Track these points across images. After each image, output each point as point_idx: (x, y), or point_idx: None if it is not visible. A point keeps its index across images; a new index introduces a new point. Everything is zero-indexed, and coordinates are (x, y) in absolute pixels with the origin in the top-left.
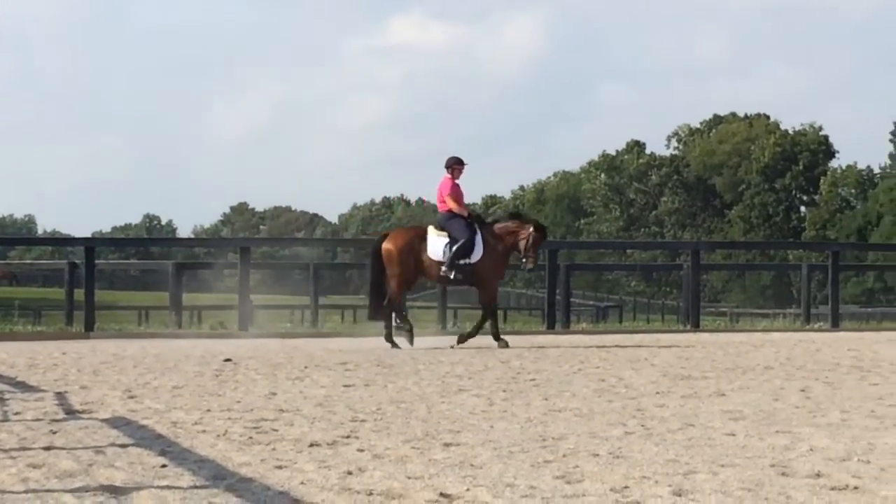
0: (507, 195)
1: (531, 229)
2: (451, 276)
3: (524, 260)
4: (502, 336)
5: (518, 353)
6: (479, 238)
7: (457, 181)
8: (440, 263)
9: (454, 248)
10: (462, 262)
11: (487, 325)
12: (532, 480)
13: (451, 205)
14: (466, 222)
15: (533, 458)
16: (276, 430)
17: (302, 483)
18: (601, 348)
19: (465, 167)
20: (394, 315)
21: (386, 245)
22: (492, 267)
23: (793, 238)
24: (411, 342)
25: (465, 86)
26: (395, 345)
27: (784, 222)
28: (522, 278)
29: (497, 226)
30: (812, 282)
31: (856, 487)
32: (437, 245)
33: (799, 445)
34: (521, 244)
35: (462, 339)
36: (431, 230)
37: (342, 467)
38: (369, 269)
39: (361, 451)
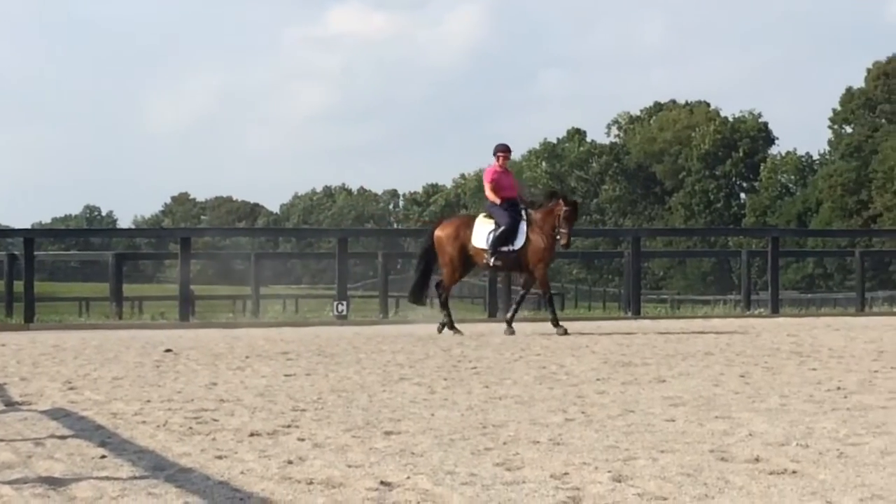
0: (449, 184)
1: (562, 205)
2: (492, 263)
3: (558, 237)
4: (561, 322)
5: (459, 342)
6: (523, 224)
7: (501, 168)
8: (485, 251)
9: (495, 236)
10: (505, 248)
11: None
12: (472, 468)
13: (487, 193)
14: (510, 209)
15: (473, 445)
16: (216, 421)
17: (242, 473)
18: (542, 336)
19: (510, 154)
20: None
21: (437, 233)
22: (538, 252)
23: (733, 225)
24: (441, 330)
25: (407, 75)
26: (457, 331)
27: (725, 209)
28: None
29: (538, 210)
30: (752, 268)
31: (794, 472)
32: (481, 233)
33: (738, 430)
34: (556, 221)
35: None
36: (480, 218)
37: (282, 457)
38: (419, 255)
39: (302, 440)
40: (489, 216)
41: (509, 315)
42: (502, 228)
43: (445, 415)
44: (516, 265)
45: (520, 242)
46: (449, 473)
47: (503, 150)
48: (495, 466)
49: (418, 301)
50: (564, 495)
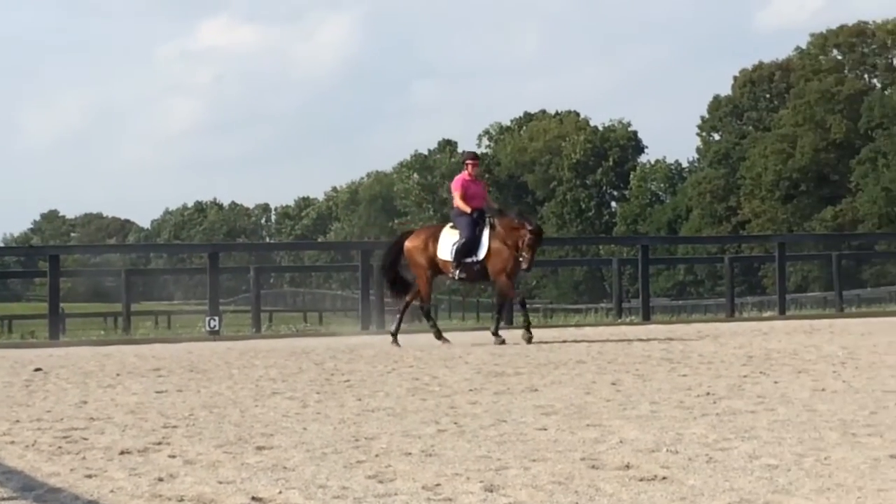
0: (321, 197)
1: (528, 230)
2: (457, 276)
3: (520, 259)
4: (500, 332)
5: (332, 355)
6: (485, 234)
7: (471, 177)
8: (450, 263)
9: (457, 247)
10: (469, 259)
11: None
12: (344, 481)
13: (456, 202)
14: (472, 219)
15: (346, 458)
16: (86, 439)
17: (112, 491)
18: (416, 347)
19: (479, 161)
20: (404, 313)
21: (407, 244)
22: (500, 261)
23: (605, 233)
24: (393, 339)
25: (278, 87)
26: (445, 340)
27: (596, 217)
28: (337, 280)
29: (503, 220)
30: (623, 276)
31: (664, 478)
32: (446, 244)
33: (609, 438)
34: (520, 243)
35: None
36: (446, 229)
37: (153, 474)
38: (380, 267)
39: (173, 457)
40: (455, 227)
41: (493, 328)
42: (463, 240)
43: (318, 428)
44: (481, 276)
45: (482, 253)
46: (321, 487)
47: (472, 159)
48: (367, 479)
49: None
50: None
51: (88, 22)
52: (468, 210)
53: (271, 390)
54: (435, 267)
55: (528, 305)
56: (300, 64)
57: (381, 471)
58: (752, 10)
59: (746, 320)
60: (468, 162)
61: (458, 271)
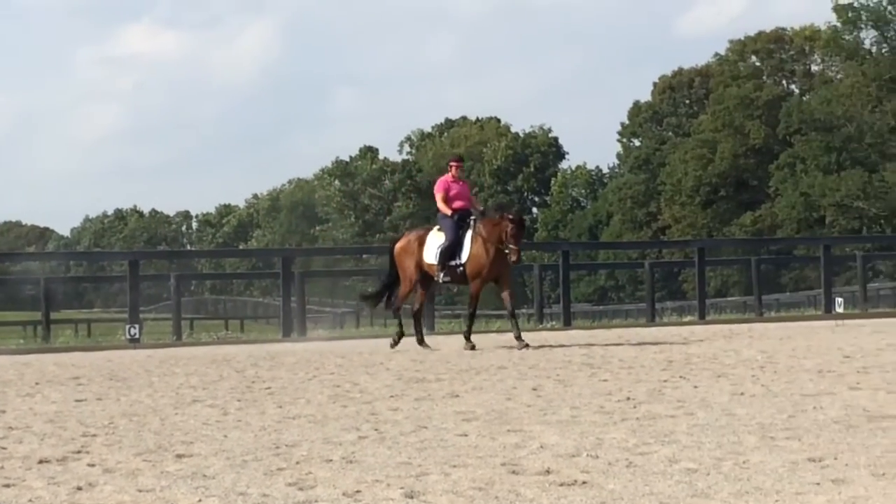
0: (242, 204)
1: (508, 221)
2: (441, 280)
3: (507, 253)
4: (472, 338)
5: (253, 363)
6: (468, 237)
7: (455, 178)
8: (435, 266)
9: (440, 251)
10: (453, 263)
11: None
12: (265, 488)
13: (438, 204)
14: (455, 221)
15: (266, 466)
16: (4, 449)
17: (30, 500)
18: (337, 354)
19: (462, 163)
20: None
21: (396, 247)
22: (477, 266)
23: (526, 239)
24: (393, 345)
25: (200, 94)
26: (425, 345)
27: None
28: (259, 287)
29: (484, 220)
30: (545, 282)
31: (584, 482)
32: (431, 247)
33: (530, 443)
34: (504, 237)
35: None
36: (433, 232)
37: (72, 483)
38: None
39: (92, 465)
40: (441, 230)
41: (515, 333)
42: (446, 243)
43: (238, 436)
44: (465, 278)
45: (465, 256)
46: (241, 495)
47: (455, 160)
48: (288, 486)
49: (368, 302)
50: None
51: (5, 26)
52: (449, 212)
53: (192, 398)
54: (422, 270)
55: (474, 311)
56: (221, 71)
57: (301, 478)
58: (672, 16)
59: (667, 325)
60: (451, 164)
61: (441, 274)
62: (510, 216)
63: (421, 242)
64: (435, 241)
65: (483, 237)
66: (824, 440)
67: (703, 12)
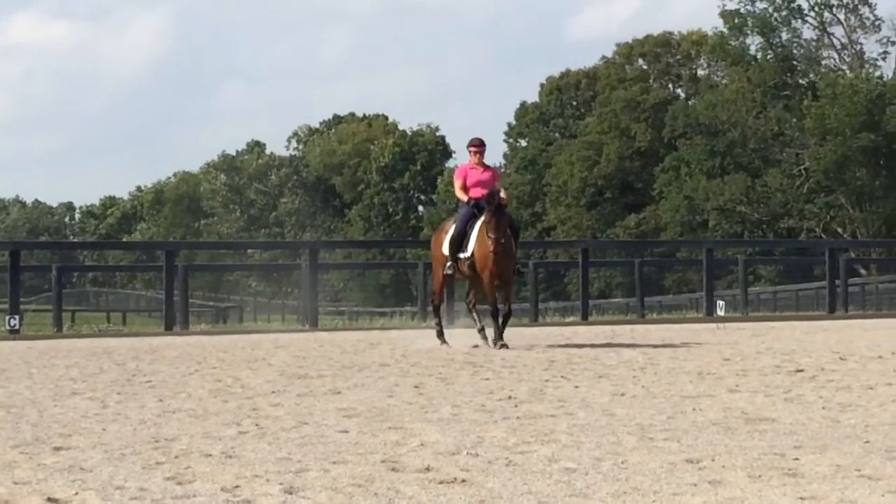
0: (126, 196)
1: (486, 208)
2: (446, 272)
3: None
4: (501, 337)
5: (135, 356)
6: (475, 228)
7: (476, 164)
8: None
9: (449, 242)
10: (462, 255)
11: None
12: (142, 482)
13: (456, 191)
14: (468, 211)
15: (145, 459)
16: None
17: None
18: (219, 349)
19: (483, 147)
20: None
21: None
22: (482, 259)
23: (411, 237)
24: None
25: (87, 85)
26: (444, 341)
27: (403, 221)
28: (142, 280)
29: (486, 211)
30: (428, 279)
31: (463, 480)
32: (447, 238)
33: (410, 441)
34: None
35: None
36: (451, 221)
37: None
38: None
39: None
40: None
41: (493, 334)
42: (451, 234)
43: (117, 429)
44: (474, 272)
45: (470, 248)
46: (118, 489)
47: (475, 144)
48: (166, 481)
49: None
50: None
51: None
52: (464, 199)
53: (71, 390)
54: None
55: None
56: (110, 62)
57: (180, 472)
58: (562, 18)
59: (550, 325)
60: (471, 148)
61: (447, 265)
62: (487, 201)
63: (445, 233)
64: (450, 232)
65: (484, 230)
66: (702, 442)
67: (593, 15)
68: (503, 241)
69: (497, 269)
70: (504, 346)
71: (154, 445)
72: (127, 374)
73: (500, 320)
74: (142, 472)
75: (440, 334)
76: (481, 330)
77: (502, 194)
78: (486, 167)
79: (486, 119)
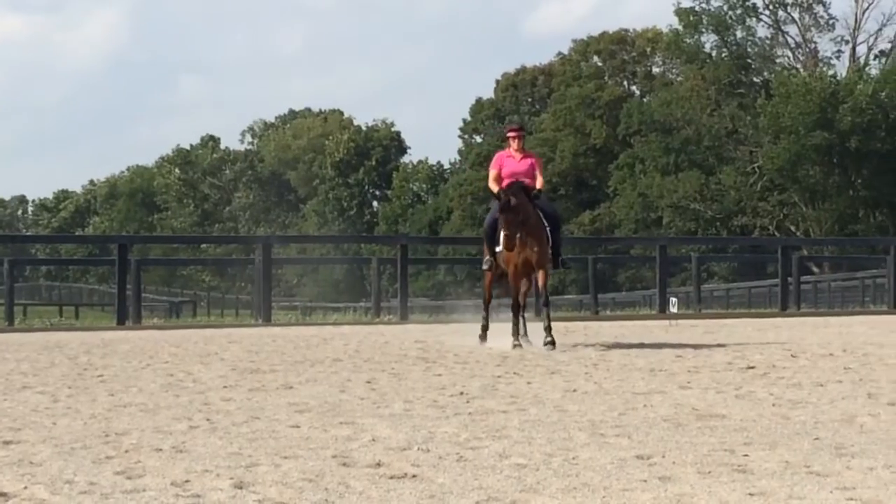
0: (80, 190)
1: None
2: (486, 268)
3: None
4: (550, 334)
5: (86, 350)
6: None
7: (515, 150)
8: None
9: (484, 235)
10: (498, 249)
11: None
12: (92, 476)
13: (489, 182)
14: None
15: (95, 454)
16: None
17: None
18: (172, 343)
19: (521, 132)
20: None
21: None
22: (502, 255)
23: (366, 232)
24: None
25: (42, 78)
26: (483, 340)
27: (358, 217)
28: (95, 274)
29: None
30: (383, 275)
31: (414, 475)
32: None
33: (361, 436)
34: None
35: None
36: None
37: None
38: None
39: None
40: None
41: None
42: (483, 228)
43: (67, 423)
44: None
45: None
46: (68, 483)
47: (513, 129)
48: (116, 475)
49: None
50: (184, 502)
51: None
52: (495, 191)
53: (22, 384)
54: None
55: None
56: (65, 55)
57: (130, 466)
58: (519, 14)
59: (503, 321)
60: (509, 133)
61: (485, 260)
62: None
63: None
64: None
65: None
66: (653, 438)
67: (550, 11)
68: (517, 236)
69: (516, 266)
70: (550, 343)
71: (104, 440)
72: (78, 368)
73: (544, 316)
74: (91, 467)
75: (483, 332)
76: (516, 333)
77: (538, 184)
78: (526, 154)
79: (441, 115)
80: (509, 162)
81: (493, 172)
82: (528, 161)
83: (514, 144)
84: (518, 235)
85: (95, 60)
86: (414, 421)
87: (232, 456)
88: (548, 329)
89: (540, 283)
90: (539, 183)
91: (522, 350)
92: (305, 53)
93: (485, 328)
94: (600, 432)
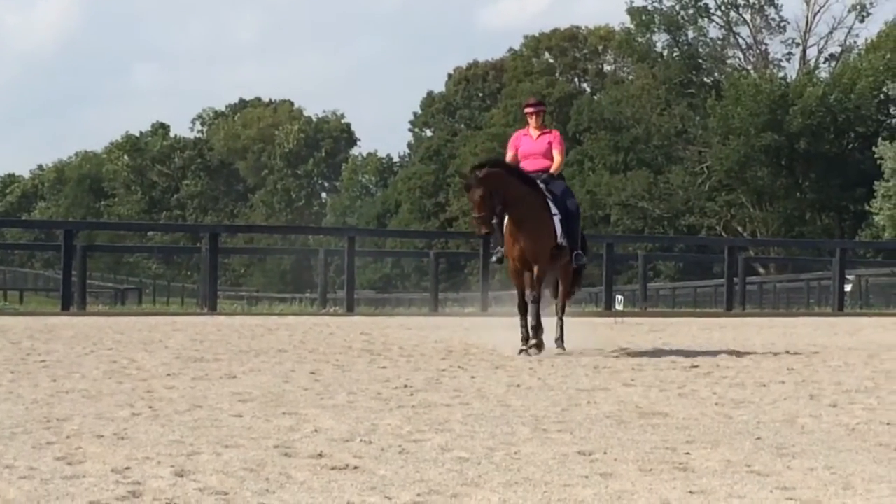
0: (27, 174)
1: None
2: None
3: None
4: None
5: (30, 335)
6: None
7: (535, 128)
8: None
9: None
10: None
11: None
12: (32, 462)
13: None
14: None
15: (35, 439)
16: None
17: None
18: (116, 330)
19: (540, 108)
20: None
21: None
22: (506, 246)
23: (314, 223)
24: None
25: None
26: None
27: (306, 207)
28: (41, 259)
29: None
30: (330, 267)
31: (356, 467)
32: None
33: (304, 426)
34: None
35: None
36: None
37: None
38: None
39: None
40: None
41: (556, 332)
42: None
43: (8, 408)
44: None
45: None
46: (7, 468)
47: (531, 105)
48: (56, 461)
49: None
50: (124, 489)
51: None
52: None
53: None
54: None
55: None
56: (15, 37)
57: (70, 452)
58: (473, 9)
59: (449, 315)
60: (526, 110)
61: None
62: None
63: None
64: None
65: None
66: (595, 434)
67: (505, 7)
68: (487, 222)
69: (513, 260)
70: (559, 341)
71: (46, 425)
72: (21, 353)
73: (558, 315)
74: (32, 452)
75: (524, 339)
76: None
77: (554, 166)
78: (545, 131)
79: (392, 108)
80: (526, 141)
81: (509, 154)
82: (546, 139)
83: (532, 122)
84: (505, 221)
85: (46, 43)
86: (357, 413)
87: (173, 444)
88: (558, 340)
89: (535, 278)
90: (556, 164)
91: (530, 357)
92: (258, 43)
93: (526, 330)
94: (543, 427)
